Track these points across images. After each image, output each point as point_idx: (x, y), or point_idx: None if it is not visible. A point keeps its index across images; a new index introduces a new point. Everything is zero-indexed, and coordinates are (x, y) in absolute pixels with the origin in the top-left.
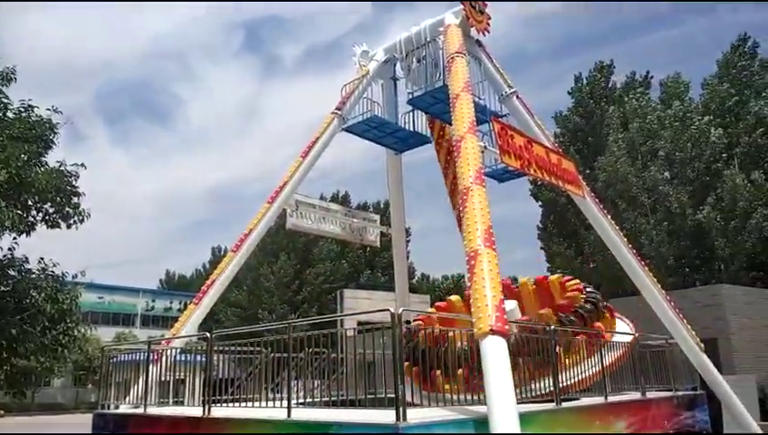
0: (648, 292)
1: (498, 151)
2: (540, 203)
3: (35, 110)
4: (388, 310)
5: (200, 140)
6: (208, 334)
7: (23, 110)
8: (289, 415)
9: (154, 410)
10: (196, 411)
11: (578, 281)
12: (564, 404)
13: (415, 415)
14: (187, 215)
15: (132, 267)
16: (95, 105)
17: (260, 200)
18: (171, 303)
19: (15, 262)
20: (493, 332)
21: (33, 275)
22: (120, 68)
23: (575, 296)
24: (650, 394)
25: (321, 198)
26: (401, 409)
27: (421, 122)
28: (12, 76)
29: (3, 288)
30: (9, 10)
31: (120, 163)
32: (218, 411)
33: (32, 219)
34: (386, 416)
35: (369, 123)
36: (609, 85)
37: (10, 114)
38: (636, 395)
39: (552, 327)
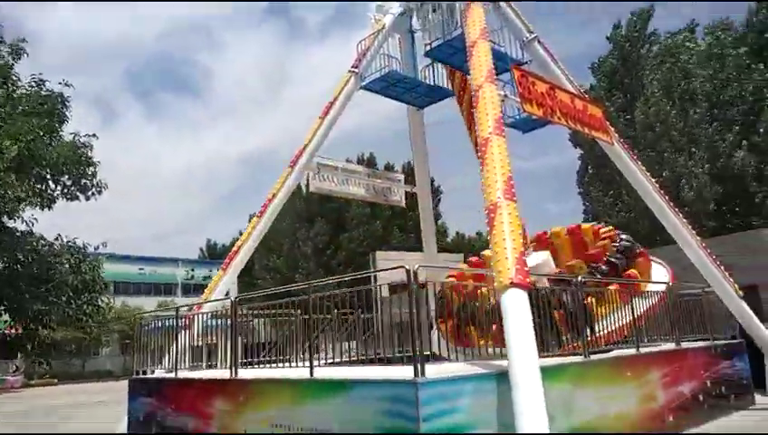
0: (681, 239)
1: (519, 100)
2: (579, 149)
3: (46, 84)
4: (404, 267)
5: (230, 110)
6: (231, 299)
7: (34, 84)
8: (311, 374)
9: (185, 374)
10: (224, 374)
11: (611, 228)
12: (593, 357)
13: (435, 370)
14: (224, 184)
15: (176, 239)
16: (125, 83)
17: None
18: (211, 271)
19: (35, 235)
20: (513, 284)
21: (56, 248)
22: (145, 43)
23: (606, 245)
24: (686, 344)
25: (348, 161)
26: (419, 364)
27: (442, 75)
28: (22, 50)
29: (29, 260)
30: None
31: (154, 138)
32: (246, 373)
33: (50, 193)
34: (407, 372)
35: (387, 79)
36: (648, 30)
37: (22, 90)
38: (670, 345)
39: (581, 278)
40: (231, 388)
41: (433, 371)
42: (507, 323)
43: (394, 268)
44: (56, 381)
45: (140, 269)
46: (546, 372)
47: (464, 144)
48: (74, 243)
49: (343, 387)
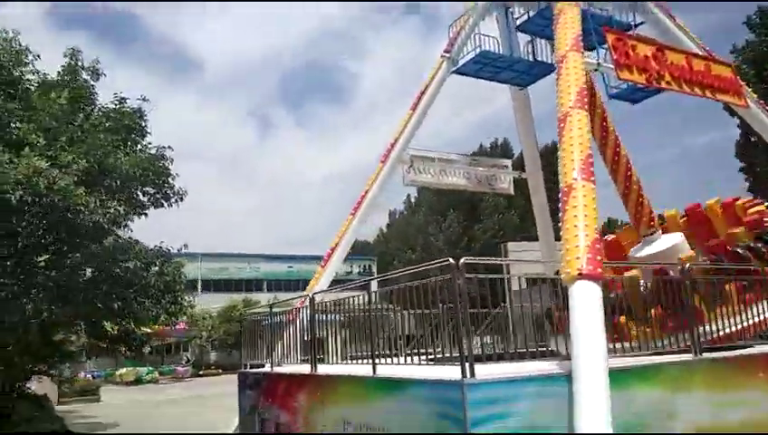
0: None
1: (614, 66)
2: (737, 118)
3: (127, 101)
4: (449, 260)
5: (374, 112)
6: (309, 295)
7: (117, 102)
8: (374, 372)
9: (279, 369)
10: (306, 369)
11: (764, 204)
12: (707, 354)
13: (492, 370)
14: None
15: (326, 240)
16: (277, 93)
17: None
18: (351, 267)
19: (131, 243)
20: (582, 276)
21: (151, 253)
22: (293, 54)
23: (758, 220)
24: None
25: (481, 147)
26: (467, 364)
27: (545, 50)
28: (100, 71)
29: (128, 265)
30: (192, 19)
31: (303, 145)
32: (323, 369)
33: (140, 201)
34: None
35: (481, 61)
36: None
37: (100, 110)
38: None
39: (688, 266)
40: (310, 384)
41: (488, 371)
42: (574, 318)
43: (440, 262)
44: (220, 371)
45: (289, 267)
46: (637, 372)
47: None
48: (160, 247)
49: (399, 386)
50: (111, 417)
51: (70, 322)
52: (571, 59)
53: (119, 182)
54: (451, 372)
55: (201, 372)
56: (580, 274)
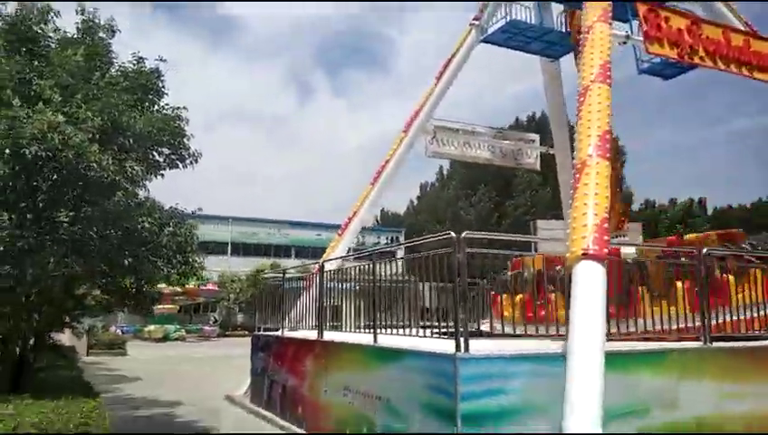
0: None
1: (643, 39)
2: None
3: (146, 62)
4: (450, 233)
5: (413, 81)
6: (319, 263)
7: (135, 62)
8: (375, 341)
9: (288, 334)
10: (313, 335)
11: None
12: (717, 344)
13: (481, 346)
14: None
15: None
16: (317, 58)
17: None
18: (379, 238)
19: (142, 201)
20: (586, 256)
21: (165, 212)
22: (335, 18)
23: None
24: None
25: (517, 121)
26: (462, 339)
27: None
28: (116, 28)
29: (147, 224)
30: None
31: (341, 113)
32: (329, 335)
33: (156, 161)
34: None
35: (510, 30)
36: None
37: (117, 69)
38: None
39: (706, 250)
40: (316, 349)
41: (485, 346)
42: (574, 298)
43: (440, 235)
44: (245, 332)
45: (318, 235)
46: (643, 357)
47: (657, 97)
48: (175, 208)
49: (397, 356)
50: (135, 371)
51: (88, 276)
52: (597, 30)
53: (131, 141)
54: (448, 346)
55: (227, 333)
56: (585, 254)
